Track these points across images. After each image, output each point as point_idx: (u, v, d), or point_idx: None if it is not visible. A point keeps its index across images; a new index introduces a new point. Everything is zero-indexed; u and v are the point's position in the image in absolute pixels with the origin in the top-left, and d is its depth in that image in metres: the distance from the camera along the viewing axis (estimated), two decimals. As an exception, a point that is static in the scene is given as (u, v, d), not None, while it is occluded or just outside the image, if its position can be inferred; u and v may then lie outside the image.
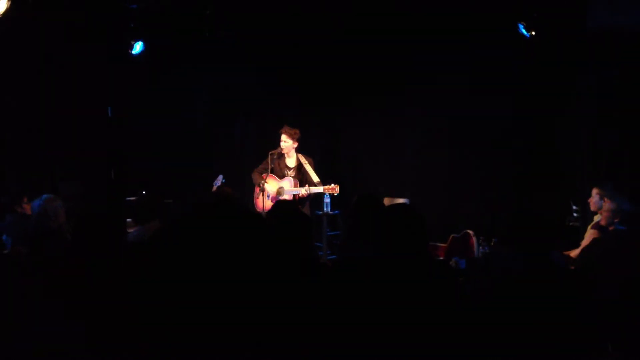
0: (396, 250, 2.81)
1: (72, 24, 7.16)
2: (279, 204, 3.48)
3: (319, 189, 6.77)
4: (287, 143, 6.94)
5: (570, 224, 6.57)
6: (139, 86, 8.42)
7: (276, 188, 6.98)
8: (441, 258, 6.39)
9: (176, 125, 8.59)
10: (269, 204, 6.83)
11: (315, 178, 6.83)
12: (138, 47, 7.91)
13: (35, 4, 6.44)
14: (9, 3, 6.20)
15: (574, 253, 5.03)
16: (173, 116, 8.60)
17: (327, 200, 7.06)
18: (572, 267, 4.39)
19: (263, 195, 6.89)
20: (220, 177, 7.31)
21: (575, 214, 6.55)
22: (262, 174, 7.04)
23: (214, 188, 7.24)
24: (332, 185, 6.74)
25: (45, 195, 4.53)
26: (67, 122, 7.63)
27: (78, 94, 7.71)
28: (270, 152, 6.97)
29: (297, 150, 7.04)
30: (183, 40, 8.04)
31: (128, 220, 5.52)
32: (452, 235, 6.93)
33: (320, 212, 7.10)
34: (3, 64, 6.88)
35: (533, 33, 6.74)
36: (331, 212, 7.12)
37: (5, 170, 7.10)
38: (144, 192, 7.02)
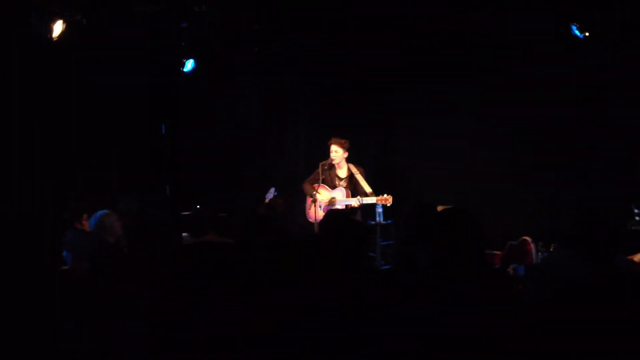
0: (452, 257, 2.76)
1: (124, 45, 7.32)
2: (332, 214, 3.47)
3: (372, 199, 6.69)
4: (337, 153, 6.90)
5: (632, 228, 6.36)
6: (190, 102, 8.56)
7: (328, 198, 6.96)
8: (497, 266, 6.25)
9: (228, 139, 8.71)
10: (321, 215, 6.82)
11: (367, 188, 6.76)
12: (189, 64, 8.05)
13: (89, 26, 6.61)
14: (65, 25, 6.40)
15: (638, 258, 4.86)
16: (224, 131, 8.73)
17: (379, 210, 7.01)
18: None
19: (315, 205, 6.88)
20: (272, 189, 7.38)
21: (637, 218, 6.36)
22: (313, 184, 7.04)
23: (266, 200, 7.31)
24: (385, 195, 6.65)
25: (100, 212, 4.63)
26: (123, 140, 7.82)
27: (132, 113, 7.89)
28: (321, 163, 6.94)
29: (347, 160, 7.02)
30: (232, 55, 8.13)
31: (184, 234, 5.59)
32: (509, 242, 6.78)
33: (373, 222, 7.05)
34: (59, 85, 7.07)
35: (587, 34, 6.56)
36: (384, 222, 7.06)
37: (64, 188, 7.27)
38: (198, 207, 7.10)
